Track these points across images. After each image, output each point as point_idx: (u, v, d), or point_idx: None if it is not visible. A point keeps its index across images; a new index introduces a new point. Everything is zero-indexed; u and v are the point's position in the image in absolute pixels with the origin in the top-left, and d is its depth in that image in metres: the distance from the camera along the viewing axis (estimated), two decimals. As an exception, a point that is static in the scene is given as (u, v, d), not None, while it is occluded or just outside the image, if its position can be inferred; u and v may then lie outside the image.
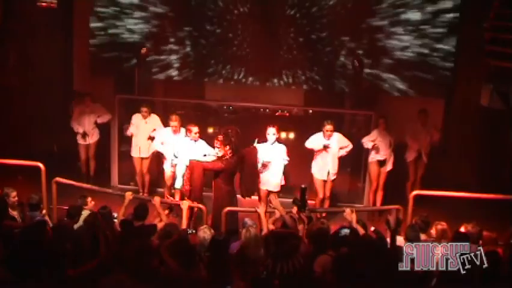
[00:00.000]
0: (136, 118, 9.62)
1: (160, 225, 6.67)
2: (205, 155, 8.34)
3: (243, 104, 10.77)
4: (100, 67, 11.22)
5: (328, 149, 8.74)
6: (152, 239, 6.18)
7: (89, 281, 5.09)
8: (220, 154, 7.89)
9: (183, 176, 8.24)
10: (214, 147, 8.12)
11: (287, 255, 5.18)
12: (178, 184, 8.65)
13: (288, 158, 8.51)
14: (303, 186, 7.03)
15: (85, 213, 6.96)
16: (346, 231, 6.05)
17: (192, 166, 7.97)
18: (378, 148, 9.17)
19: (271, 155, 8.43)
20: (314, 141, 8.86)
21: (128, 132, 9.70)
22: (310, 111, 11.35)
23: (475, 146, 10.23)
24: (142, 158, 9.73)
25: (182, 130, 8.95)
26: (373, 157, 9.34)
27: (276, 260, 5.15)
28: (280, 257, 5.15)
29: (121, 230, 6.34)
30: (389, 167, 9.36)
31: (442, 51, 10.48)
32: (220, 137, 7.89)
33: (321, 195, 9.03)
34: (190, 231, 6.22)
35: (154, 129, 9.50)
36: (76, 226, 6.64)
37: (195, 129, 8.56)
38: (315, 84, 11.07)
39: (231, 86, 11.20)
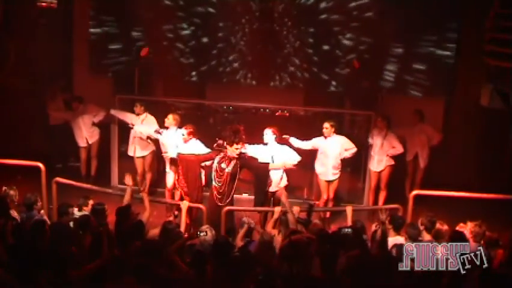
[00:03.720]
0: (131, 118, 9.63)
1: (145, 215, 6.81)
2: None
3: (243, 104, 10.76)
4: (100, 67, 11.20)
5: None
6: (152, 236, 6.22)
7: (93, 283, 5.08)
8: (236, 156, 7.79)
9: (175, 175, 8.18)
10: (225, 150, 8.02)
11: (301, 256, 5.31)
12: (169, 183, 8.60)
13: (298, 158, 8.47)
14: (311, 203, 7.16)
15: (80, 213, 6.96)
16: (348, 230, 6.09)
17: (185, 161, 7.87)
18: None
19: (269, 156, 8.42)
20: (314, 142, 8.93)
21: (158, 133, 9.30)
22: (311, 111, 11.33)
23: (475, 146, 10.24)
24: (143, 157, 9.75)
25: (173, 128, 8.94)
26: (371, 163, 9.54)
27: (292, 263, 5.26)
28: (295, 259, 5.27)
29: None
30: (380, 167, 9.38)
31: (442, 51, 10.45)
32: (244, 138, 7.74)
33: (325, 196, 9.09)
34: (201, 234, 6.19)
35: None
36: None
37: (183, 130, 8.49)
38: (314, 85, 11.05)
39: (231, 86, 11.18)
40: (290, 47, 10.92)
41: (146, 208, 7.12)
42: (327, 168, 9.01)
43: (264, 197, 8.39)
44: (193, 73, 11.20)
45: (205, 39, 11.04)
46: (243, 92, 11.06)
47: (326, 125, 8.90)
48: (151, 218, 7.16)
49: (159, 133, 8.94)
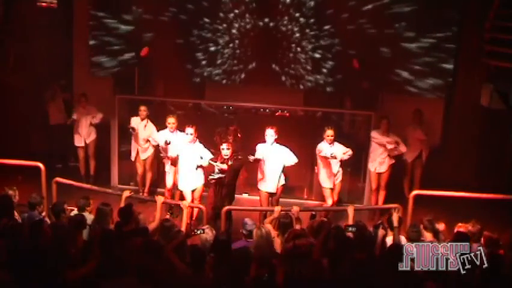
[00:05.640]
0: (135, 122, 9.61)
1: (152, 225, 6.66)
2: (201, 158, 8.31)
3: (243, 104, 10.76)
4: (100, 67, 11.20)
5: (332, 158, 8.73)
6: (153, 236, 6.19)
7: (90, 284, 5.07)
8: (227, 156, 7.88)
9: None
10: (216, 150, 8.09)
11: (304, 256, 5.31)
12: (182, 186, 8.63)
13: (295, 159, 8.50)
14: (313, 213, 7.17)
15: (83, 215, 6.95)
16: (352, 229, 6.09)
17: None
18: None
19: (270, 156, 8.44)
20: (324, 151, 8.80)
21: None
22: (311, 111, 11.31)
23: (475, 146, 10.24)
24: (145, 160, 9.76)
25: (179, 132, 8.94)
26: (371, 164, 9.46)
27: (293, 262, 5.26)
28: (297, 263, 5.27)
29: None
30: (382, 168, 9.38)
31: (442, 51, 10.45)
32: (230, 138, 7.91)
33: (330, 202, 9.04)
34: (199, 232, 6.19)
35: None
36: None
37: (190, 130, 8.44)
38: (315, 85, 11.04)
39: (231, 86, 11.17)
40: (291, 46, 10.92)
41: (156, 218, 6.93)
42: (331, 177, 8.98)
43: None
44: (194, 73, 11.20)
45: (204, 39, 11.04)
46: (243, 92, 11.05)
47: (331, 132, 8.74)
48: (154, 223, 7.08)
49: (168, 144, 8.92)
